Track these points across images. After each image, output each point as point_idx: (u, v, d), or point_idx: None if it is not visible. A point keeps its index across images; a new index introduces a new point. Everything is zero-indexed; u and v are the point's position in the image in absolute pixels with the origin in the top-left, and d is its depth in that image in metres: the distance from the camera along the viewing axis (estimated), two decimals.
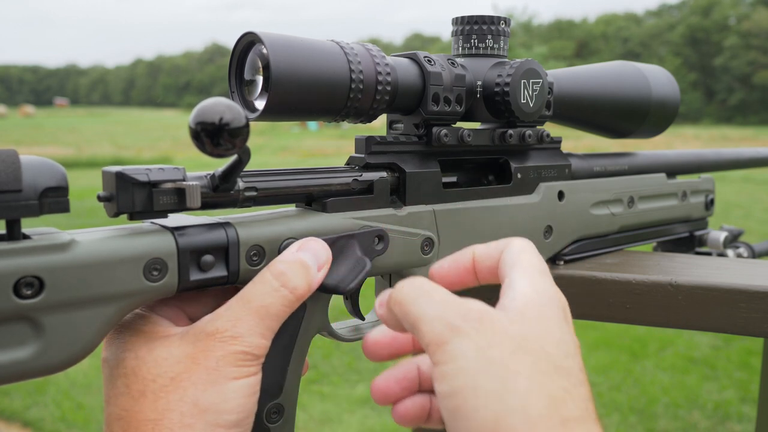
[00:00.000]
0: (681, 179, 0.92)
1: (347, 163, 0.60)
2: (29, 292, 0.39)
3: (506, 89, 0.65)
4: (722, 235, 0.99)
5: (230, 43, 0.56)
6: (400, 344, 0.49)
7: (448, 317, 0.40)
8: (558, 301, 0.43)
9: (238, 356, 0.45)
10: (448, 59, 0.63)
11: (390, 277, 0.64)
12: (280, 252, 0.50)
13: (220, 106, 0.42)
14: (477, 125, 0.69)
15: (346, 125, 0.64)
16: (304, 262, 0.49)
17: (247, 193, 0.50)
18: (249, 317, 0.46)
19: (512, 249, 0.46)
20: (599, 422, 0.39)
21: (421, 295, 0.42)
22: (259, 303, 0.46)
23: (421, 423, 0.49)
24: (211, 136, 0.42)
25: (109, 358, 0.47)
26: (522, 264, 0.45)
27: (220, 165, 0.48)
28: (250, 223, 0.50)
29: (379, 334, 0.49)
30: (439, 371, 0.39)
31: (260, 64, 0.53)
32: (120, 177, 0.44)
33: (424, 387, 0.49)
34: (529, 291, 0.42)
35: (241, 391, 0.45)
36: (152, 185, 0.45)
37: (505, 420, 0.36)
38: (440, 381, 0.39)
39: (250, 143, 0.44)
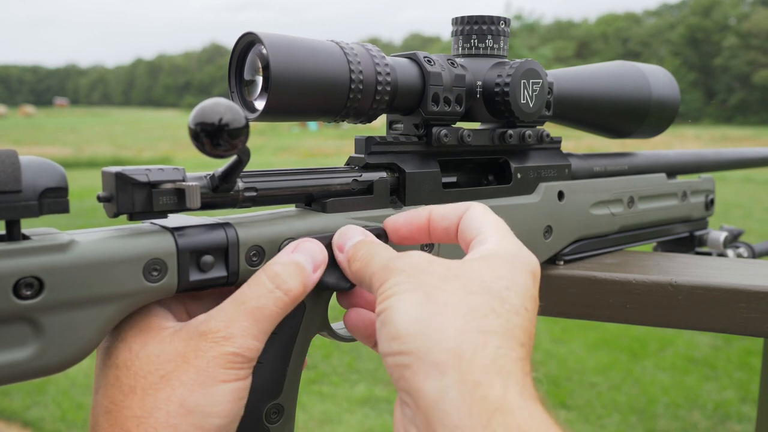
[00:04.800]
0: (681, 179, 0.92)
1: (347, 164, 0.60)
2: (29, 293, 0.39)
3: (506, 89, 0.65)
4: (722, 235, 0.99)
5: (231, 43, 0.56)
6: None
7: (389, 263, 0.45)
8: (524, 257, 0.46)
9: (229, 358, 0.45)
10: (448, 59, 0.63)
11: None
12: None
13: (219, 106, 0.42)
14: (477, 125, 0.69)
15: (346, 125, 0.64)
16: (299, 263, 0.49)
17: (247, 194, 0.50)
18: (243, 319, 0.45)
19: (475, 212, 0.50)
20: (527, 351, 0.40)
21: (373, 256, 0.48)
22: (254, 305, 0.46)
23: (365, 338, 0.54)
24: (211, 136, 0.42)
25: (102, 344, 0.47)
26: (490, 224, 0.48)
27: (220, 165, 0.48)
28: (249, 223, 0.50)
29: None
30: (378, 304, 0.43)
31: (260, 65, 0.53)
32: (120, 177, 0.44)
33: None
34: (495, 247, 0.46)
35: (230, 395, 0.44)
36: (152, 186, 0.45)
37: (421, 323, 0.40)
38: (377, 306, 0.43)
39: (250, 143, 0.44)
